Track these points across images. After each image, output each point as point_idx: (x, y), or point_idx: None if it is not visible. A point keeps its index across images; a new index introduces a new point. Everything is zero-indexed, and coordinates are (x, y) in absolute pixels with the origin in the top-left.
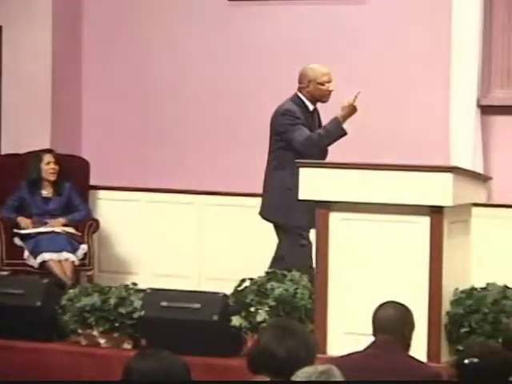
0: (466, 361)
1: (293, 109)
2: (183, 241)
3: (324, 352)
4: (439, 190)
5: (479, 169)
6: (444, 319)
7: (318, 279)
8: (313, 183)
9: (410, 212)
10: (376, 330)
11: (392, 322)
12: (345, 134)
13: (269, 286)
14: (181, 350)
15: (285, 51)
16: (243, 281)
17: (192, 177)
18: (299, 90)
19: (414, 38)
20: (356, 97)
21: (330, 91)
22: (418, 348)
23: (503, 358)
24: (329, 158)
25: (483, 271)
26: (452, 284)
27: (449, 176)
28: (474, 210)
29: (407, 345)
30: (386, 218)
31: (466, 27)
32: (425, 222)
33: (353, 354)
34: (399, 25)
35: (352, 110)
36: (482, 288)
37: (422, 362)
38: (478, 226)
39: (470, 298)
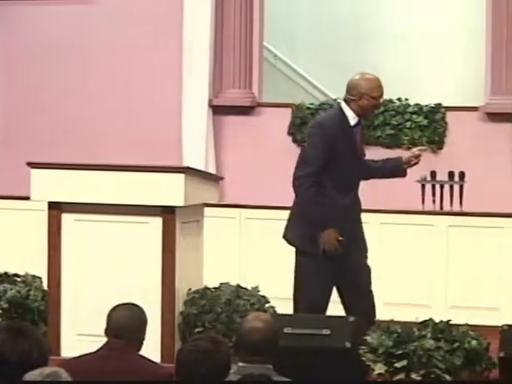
0: (184, 360)
1: (326, 123)
2: None
3: (57, 354)
4: (171, 190)
5: (212, 169)
6: (177, 319)
7: (50, 281)
8: (45, 184)
9: (142, 213)
10: (109, 332)
11: (125, 323)
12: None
13: (1, 288)
14: None
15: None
16: None
17: None
18: (346, 101)
19: (145, 38)
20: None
21: (379, 106)
22: (152, 348)
23: (215, 358)
24: (62, 159)
25: (216, 271)
26: (185, 284)
27: (180, 177)
28: (206, 210)
29: (140, 346)
30: (118, 219)
31: (197, 29)
32: (157, 222)
33: (86, 355)
34: (129, 25)
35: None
36: (215, 288)
37: (155, 363)
38: (211, 226)
39: (204, 298)
